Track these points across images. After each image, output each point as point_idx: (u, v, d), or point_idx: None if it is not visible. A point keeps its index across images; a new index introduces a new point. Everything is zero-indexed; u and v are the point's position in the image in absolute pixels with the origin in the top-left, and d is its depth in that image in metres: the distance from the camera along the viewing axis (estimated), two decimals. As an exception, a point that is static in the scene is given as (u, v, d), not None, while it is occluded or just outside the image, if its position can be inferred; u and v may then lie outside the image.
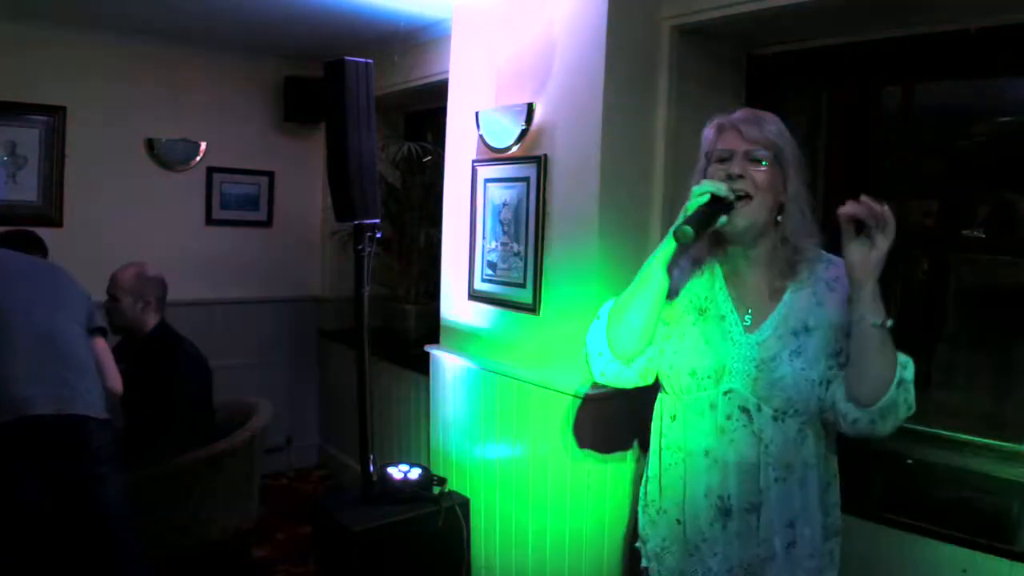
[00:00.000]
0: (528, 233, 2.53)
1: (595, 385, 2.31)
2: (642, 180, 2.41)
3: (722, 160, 1.43)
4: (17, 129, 3.56)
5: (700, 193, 1.36)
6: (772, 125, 1.44)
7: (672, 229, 1.36)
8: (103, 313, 2.67)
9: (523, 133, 2.52)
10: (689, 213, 1.36)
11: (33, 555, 2.14)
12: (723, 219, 1.38)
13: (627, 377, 1.57)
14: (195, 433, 2.76)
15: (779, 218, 1.44)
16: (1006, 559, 1.69)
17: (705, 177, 1.45)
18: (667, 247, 1.43)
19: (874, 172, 2.37)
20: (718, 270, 1.52)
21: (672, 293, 1.52)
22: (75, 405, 2.19)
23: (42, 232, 2.97)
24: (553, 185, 2.46)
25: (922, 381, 2.37)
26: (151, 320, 2.83)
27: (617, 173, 2.33)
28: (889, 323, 1.27)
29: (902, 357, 1.32)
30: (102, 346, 2.46)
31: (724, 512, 1.46)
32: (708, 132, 1.49)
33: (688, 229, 1.32)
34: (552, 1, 2.44)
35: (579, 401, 2.33)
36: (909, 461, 2.10)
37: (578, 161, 2.36)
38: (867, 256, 1.26)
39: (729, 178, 1.40)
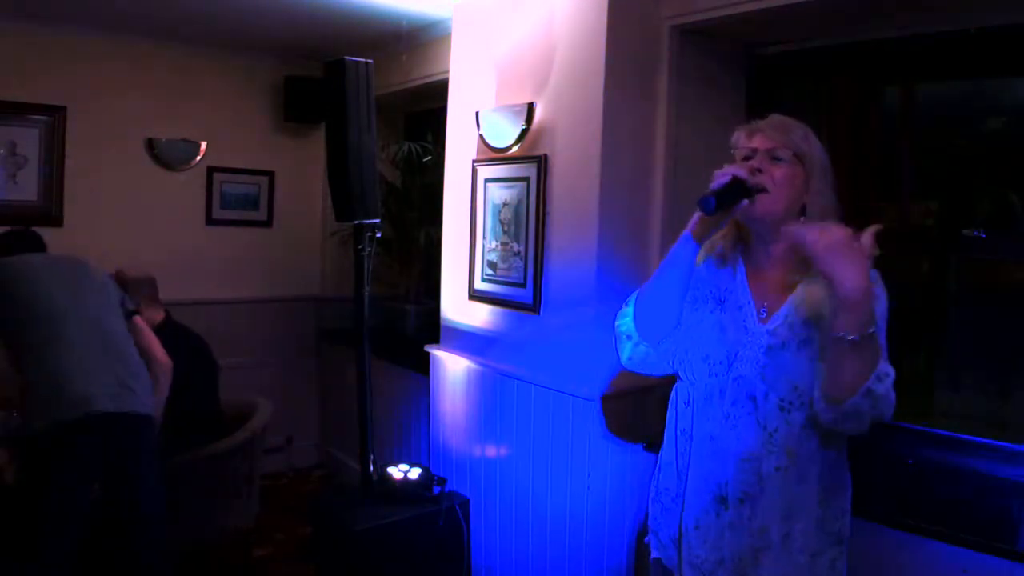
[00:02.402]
0: (528, 233, 2.53)
1: (596, 384, 2.31)
2: (642, 180, 2.41)
3: (746, 159, 1.49)
4: (17, 129, 3.56)
5: (722, 174, 1.42)
6: (798, 130, 1.50)
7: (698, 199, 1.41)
8: None
9: (523, 133, 2.52)
10: (714, 190, 1.41)
11: (79, 551, 2.21)
12: (744, 203, 1.43)
13: (653, 362, 1.61)
14: (206, 426, 2.79)
15: (802, 219, 1.48)
16: (1006, 559, 1.69)
17: None
18: (690, 230, 1.48)
19: (874, 172, 2.37)
20: (740, 266, 1.57)
21: (693, 285, 1.57)
22: (132, 402, 2.28)
23: (42, 232, 2.96)
24: (553, 185, 2.46)
25: (923, 381, 2.38)
26: (156, 317, 2.90)
27: (617, 173, 2.33)
28: (852, 337, 1.26)
29: (884, 368, 1.32)
30: (142, 323, 2.55)
31: (720, 501, 1.48)
32: (738, 135, 1.55)
33: (711, 197, 1.38)
34: (552, 1, 2.44)
35: (580, 400, 2.33)
36: (909, 461, 2.10)
37: (578, 161, 2.36)
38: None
39: (750, 172, 1.45)
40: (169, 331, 2.89)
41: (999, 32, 1.99)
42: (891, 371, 1.34)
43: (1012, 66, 2.15)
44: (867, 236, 1.29)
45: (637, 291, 1.61)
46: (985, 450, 2.06)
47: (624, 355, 1.62)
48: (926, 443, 2.14)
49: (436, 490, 2.61)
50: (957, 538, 1.76)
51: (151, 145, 3.92)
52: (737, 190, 1.41)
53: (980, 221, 2.29)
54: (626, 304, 1.62)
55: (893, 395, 1.34)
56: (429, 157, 3.67)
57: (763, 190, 1.44)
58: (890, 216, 2.40)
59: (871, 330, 1.27)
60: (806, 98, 2.59)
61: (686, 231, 1.49)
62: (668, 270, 1.52)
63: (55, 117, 3.63)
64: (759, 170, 1.45)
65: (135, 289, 2.86)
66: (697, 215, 1.46)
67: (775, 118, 1.53)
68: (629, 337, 1.59)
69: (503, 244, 2.65)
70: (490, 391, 2.70)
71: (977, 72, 2.26)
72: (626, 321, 1.60)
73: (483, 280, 2.75)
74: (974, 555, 1.74)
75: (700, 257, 1.60)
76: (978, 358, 2.34)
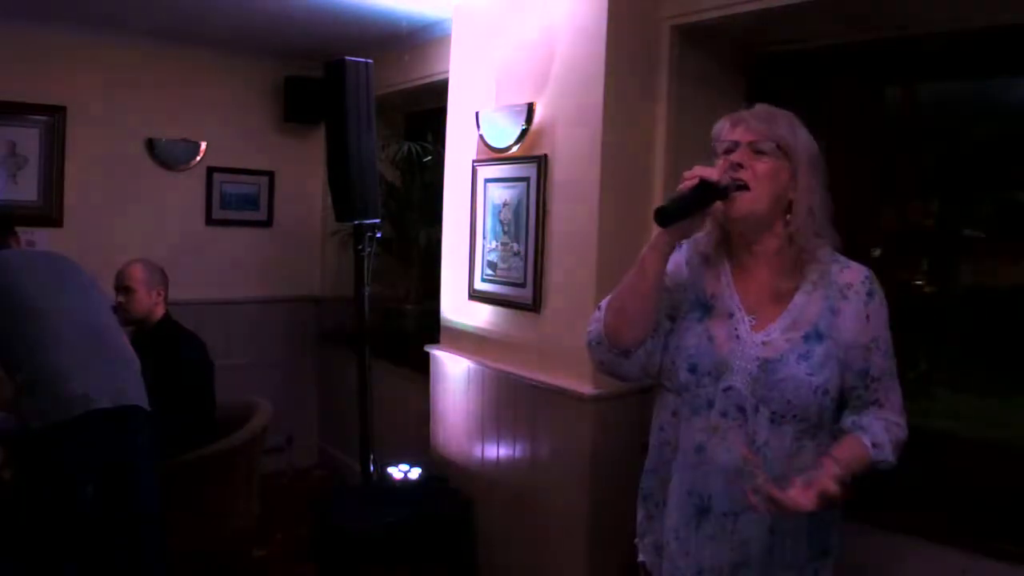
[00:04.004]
0: (528, 233, 2.53)
1: (596, 384, 2.31)
2: (642, 180, 2.41)
3: (728, 152, 1.41)
4: (17, 129, 3.56)
5: (689, 177, 1.33)
6: (783, 121, 1.40)
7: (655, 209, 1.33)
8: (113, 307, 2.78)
9: (523, 133, 2.52)
10: (678, 195, 1.33)
11: (78, 551, 2.20)
12: (718, 204, 1.36)
13: (626, 370, 1.51)
14: (203, 423, 2.79)
15: (788, 216, 1.41)
16: (1006, 560, 1.69)
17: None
18: (658, 237, 1.38)
19: (874, 172, 2.37)
20: (726, 267, 1.49)
21: (676, 289, 1.50)
22: (129, 396, 2.27)
23: (42, 232, 2.96)
24: (553, 185, 2.46)
25: (923, 381, 2.38)
26: (159, 311, 2.91)
27: (617, 173, 2.33)
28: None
29: (878, 436, 1.39)
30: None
31: (701, 512, 1.43)
32: (720, 125, 1.46)
33: (666, 208, 1.28)
34: (552, 1, 2.44)
35: (580, 400, 2.33)
36: (908, 461, 2.10)
37: (578, 161, 2.36)
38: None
39: (731, 167, 1.37)
40: (165, 329, 2.90)
41: (999, 32, 1.99)
42: (880, 439, 1.38)
43: (1012, 66, 2.15)
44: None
45: (608, 296, 1.51)
46: (985, 450, 2.06)
47: (595, 361, 1.53)
48: (926, 443, 2.14)
49: (436, 490, 2.61)
50: (957, 538, 1.76)
51: (151, 145, 3.92)
52: (706, 193, 1.32)
53: (985, 221, 2.29)
54: (597, 308, 1.53)
55: (900, 432, 1.43)
56: (429, 157, 3.66)
57: (743, 187, 1.35)
58: (890, 216, 2.40)
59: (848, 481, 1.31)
60: (806, 98, 2.58)
61: (649, 245, 1.39)
62: (632, 280, 1.42)
63: (55, 117, 3.63)
64: (740, 165, 1.36)
65: (161, 279, 2.91)
66: (659, 230, 1.36)
67: (759, 108, 1.44)
68: (599, 343, 1.49)
69: (503, 244, 2.65)
70: (490, 391, 2.70)
71: (977, 72, 2.26)
72: (596, 327, 1.49)
73: (483, 280, 2.75)
74: (974, 555, 1.74)
75: (685, 259, 1.53)
76: (978, 358, 2.34)
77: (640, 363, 1.50)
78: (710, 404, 1.43)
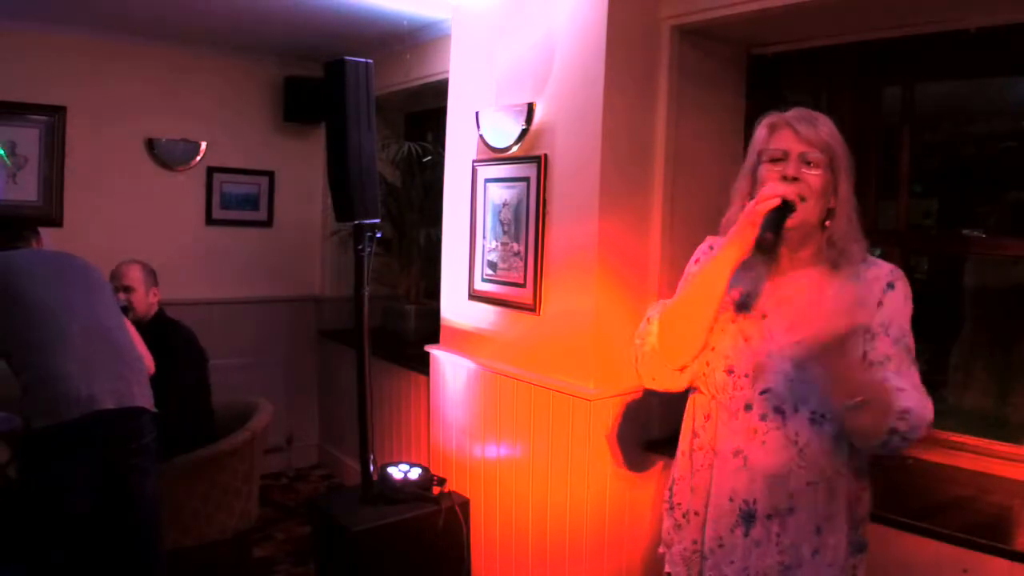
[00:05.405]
0: (528, 233, 2.53)
1: (596, 384, 2.31)
2: (642, 180, 2.41)
3: (775, 160, 1.40)
4: (17, 129, 3.56)
5: (769, 196, 1.34)
6: (825, 126, 1.41)
7: (755, 238, 1.34)
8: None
9: (523, 133, 2.52)
10: (763, 219, 1.33)
11: (76, 552, 2.19)
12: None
13: (678, 383, 1.51)
14: (200, 419, 2.80)
15: (827, 223, 1.41)
16: (1006, 559, 1.69)
17: (755, 176, 1.44)
18: (730, 254, 1.38)
19: (874, 171, 2.38)
20: (762, 269, 1.49)
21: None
22: (133, 397, 2.27)
23: (42, 232, 2.95)
24: (553, 185, 2.46)
25: (923, 381, 2.38)
26: (154, 309, 2.93)
27: (617, 173, 2.33)
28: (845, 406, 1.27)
29: (905, 404, 1.26)
30: (130, 325, 2.54)
31: (747, 517, 1.42)
32: (760, 130, 1.45)
33: (771, 236, 1.32)
34: (552, 1, 2.44)
35: (580, 401, 2.33)
36: (909, 461, 2.10)
37: (578, 161, 2.36)
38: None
39: (783, 179, 1.37)
40: (156, 324, 2.90)
41: (999, 32, 1.99)
42: (912, 405, 1.27)
43: (1012, 66, 2.15)
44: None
45: (659, 309, 1.50)
46: (985, 450, 2.06)
47: (647, 376, 1.50)
48: (926, 443, 2.14)
49: (436, 490, 2.61)
50: (957, 538, 1.76)
51: (151, 145, 3.92)
52: (784, 213, 1.34)
53: (990, 221, 2.28)
54: (647, 322, 1.50)
55: (928, 413, 1.32)
56: (429, 157, 3.67)
57: (803, 199, 1.36)
58: (890, 215, 2.40)
59: (856, 400, 1.24)
60: (806, 98, 2.59)
61: (725, 264, 1.38)
62: (701, 300, 1.40)
63: (55, 117, 3.63)
64: (795, 178, 1.36)
65: (155, 280, 2.93)
66: (734, 255, 1.36)
67: (800, 111, 1.43)
68: (653, 358, 1.48)
69: (503, 244, 2.65)
70: (490, 391, 2.70)
71: (977, 72, 2.26)
72: (651, 340, 1.47)
73: (483, 280, 2.75)
74: (974, 555, 1.74)
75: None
76: (979, 358, 2.34)
77: (689, 375, 1.50)
78: (748, 407, 1.42)
